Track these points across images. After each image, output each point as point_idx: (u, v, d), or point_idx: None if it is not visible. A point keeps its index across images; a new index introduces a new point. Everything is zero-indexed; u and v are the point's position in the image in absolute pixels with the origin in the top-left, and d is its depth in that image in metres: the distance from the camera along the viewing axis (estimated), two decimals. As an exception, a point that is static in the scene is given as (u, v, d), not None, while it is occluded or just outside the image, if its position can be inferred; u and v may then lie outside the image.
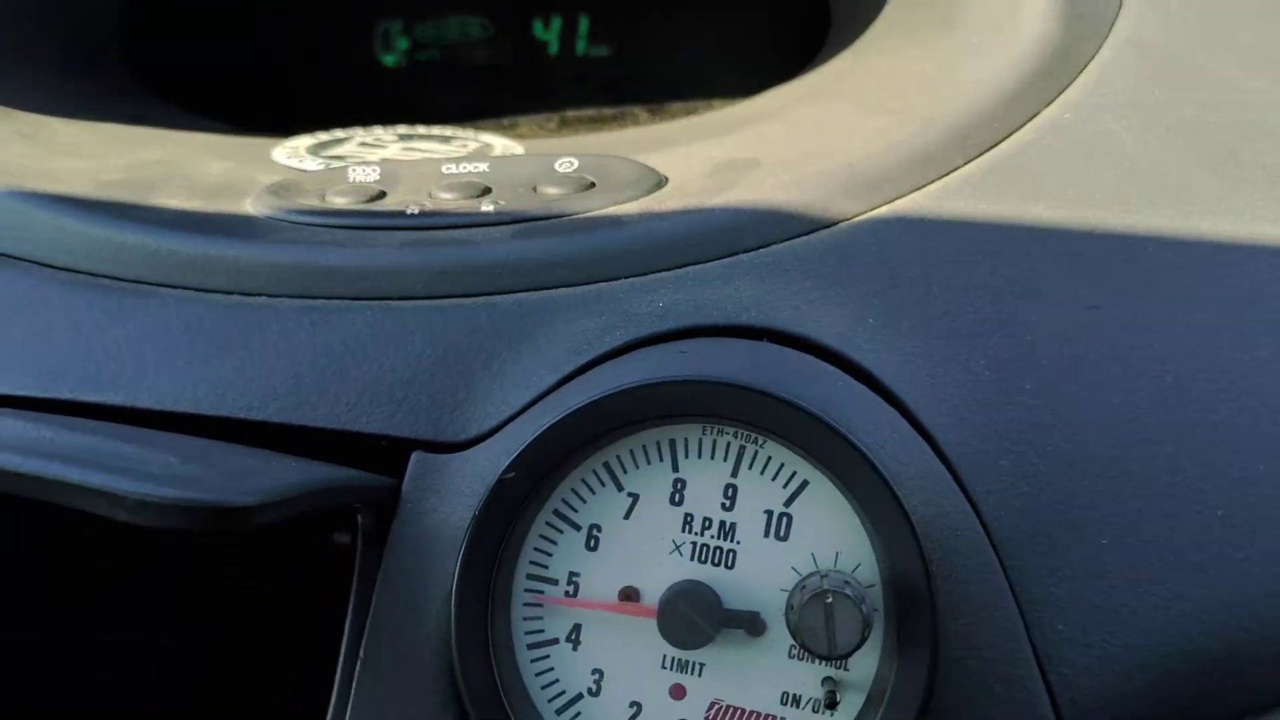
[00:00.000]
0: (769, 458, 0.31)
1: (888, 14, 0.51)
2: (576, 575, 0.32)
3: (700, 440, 0.31)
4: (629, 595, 0.31)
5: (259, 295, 0.36)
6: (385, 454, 0.34)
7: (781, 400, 0.30)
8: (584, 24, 0.69)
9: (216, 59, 0.62)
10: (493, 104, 0.59)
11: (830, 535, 0.31)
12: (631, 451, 0.31)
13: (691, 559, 0.31)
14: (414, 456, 0.33)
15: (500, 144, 0.48)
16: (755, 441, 0.31)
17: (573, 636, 0.32)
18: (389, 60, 0.70)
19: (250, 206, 0.39)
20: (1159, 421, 0.34)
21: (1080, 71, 0.42)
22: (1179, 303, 0.35)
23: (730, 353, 0.33)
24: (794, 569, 0.31)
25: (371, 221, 0.38)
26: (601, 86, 0.61)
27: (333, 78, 0.68)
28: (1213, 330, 0.35)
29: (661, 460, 0.31)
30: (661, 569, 0.31)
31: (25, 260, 0.37)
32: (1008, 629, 0.32)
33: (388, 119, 0.56)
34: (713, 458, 0.31)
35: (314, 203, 0.39)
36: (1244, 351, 0.35)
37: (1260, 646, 0.32)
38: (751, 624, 0.31)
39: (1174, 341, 0.35)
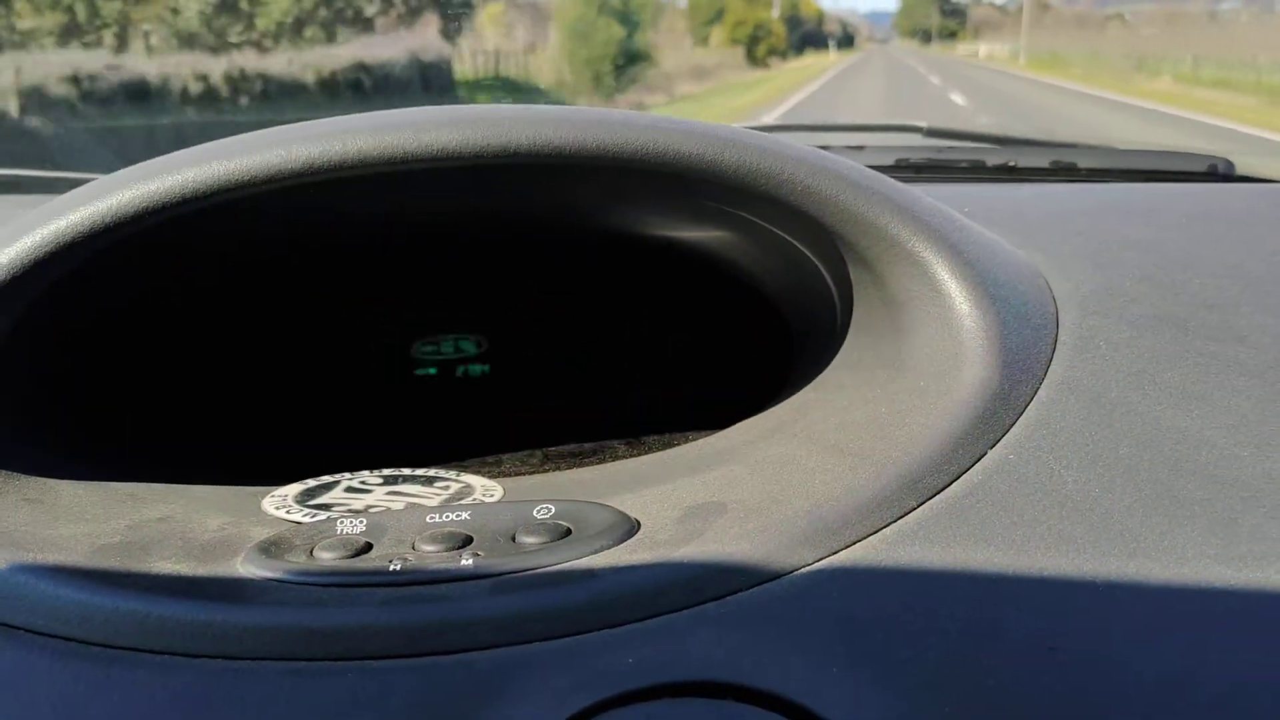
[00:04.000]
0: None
1: (844, 354, 0.54)
2: None
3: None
4: None
5: (243, 659, 0.37)
6: None
7: None
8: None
9: (213, 413, 0.66)
10: (477, 442, 0.63)
11: None
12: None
13: None
14: None
15: (480, 485, 0.51)
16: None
17: None
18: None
19: (240, 566, 0.41)
20: None
21: (1021, 413, 0.45)
22: (1135, 644, 0.37)
23: (696, 716, 0.34)
24: None
25: (356, 579, 0.40)
26: (580, 421, 0.65)
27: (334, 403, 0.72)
28: (1173, 672, 0.36)
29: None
30: None
31: (21, 629, 0.38)
32: None
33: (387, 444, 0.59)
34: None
35: (301, 559, 0.41)
36: (1203, 693, 0.35)
37: None
38: None
39: (1135, 681, 0.36)
